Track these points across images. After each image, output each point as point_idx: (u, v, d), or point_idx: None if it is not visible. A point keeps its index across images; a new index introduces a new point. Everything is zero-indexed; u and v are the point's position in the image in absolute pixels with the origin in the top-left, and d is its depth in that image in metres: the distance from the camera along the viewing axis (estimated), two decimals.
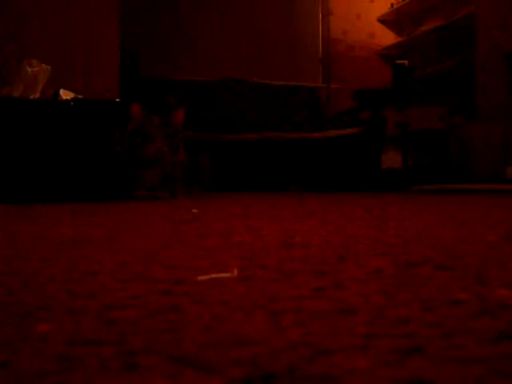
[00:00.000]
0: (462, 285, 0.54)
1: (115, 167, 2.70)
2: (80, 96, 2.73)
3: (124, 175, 2.73)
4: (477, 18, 4.59)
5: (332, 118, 5.33)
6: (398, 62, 4.72)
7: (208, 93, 5.07)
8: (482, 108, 4.49)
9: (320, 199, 2.85)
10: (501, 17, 4.30)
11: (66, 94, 2.67)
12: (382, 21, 6.05)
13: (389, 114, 4.34)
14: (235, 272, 0.62)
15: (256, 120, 5.04)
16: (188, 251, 0.81)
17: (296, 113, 5.25)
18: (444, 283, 0.55)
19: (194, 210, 1.84)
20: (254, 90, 5.20)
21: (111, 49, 3.85)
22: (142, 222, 1.44)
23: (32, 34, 3.61)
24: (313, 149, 4.55)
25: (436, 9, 5.54)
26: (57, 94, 2.66)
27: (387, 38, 6.04)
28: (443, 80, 5.28)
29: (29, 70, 2.62)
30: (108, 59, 3.82)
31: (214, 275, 0.60)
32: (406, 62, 4.63)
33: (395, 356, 0.33)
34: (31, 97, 2.60)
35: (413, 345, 0.35)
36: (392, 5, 5.89)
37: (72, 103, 2.60)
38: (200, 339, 0.36)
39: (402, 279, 0.57)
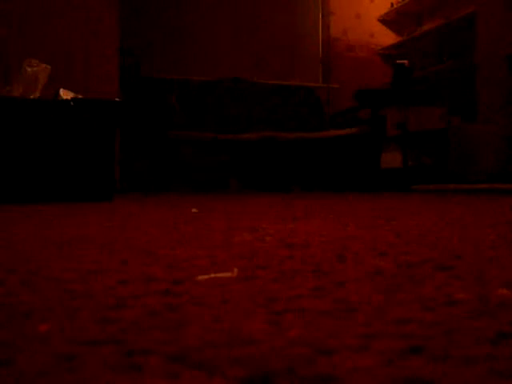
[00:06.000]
0: (462, 285, 0.54)
1: (116, 167, 2.69)
2: (80, 96, 2.73)
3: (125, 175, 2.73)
4: (477, 18, 4.59)
5: (332, 117, 5.33)
6: (398, 61, 4.72)
7: (208, 92, 5.08)
8: (482, 108, 4.49)
9: (320, 199, 2.85)
10: (501, 17, 4.30)
11: (65, 94, 2.67)
12: (382, 21, 6.05)
13: (389, 114, 4.33)
14: (235, 272, 0.62)
15: (256, 120, 5.04)
16: (188, 251, 0.81)
17: (296, 113, 5.25)
18: (444, 283, 0.55)
19: (194, 210, 1.84)
20: (253, 89, 5.20)
21: (111, 49, 3.85)
22: (142, 222, 1.44)
23: (32, 34, 3.61)
24: (313, 148, 4.55)
25: (436, 9, 5.54)
26: (57, 93, 2.66)
27: (387, 37, 6.04)
28: (443, 80, 5.28)
29: (29, 69, 2.62)
30: (108, 59, 3.82)
31: (213, 275, 0.60)
32: (406, 62, 4.63)
33: (395, 356, 0.33)
34: (31, 97, 2.60)
35: (413, 345, 0.35)
36: (392, 5, 5.89)
37: (72, 103, 2.60)
38: (200, 339, 0.36)
39: (402, 279, 0.57)
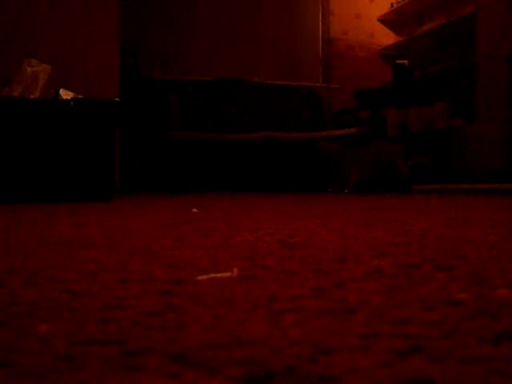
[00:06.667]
0: (461, 285, 0.54)
1: (115, 167, 2.69)
2: (80, 96, 2.73)
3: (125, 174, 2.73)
4: (477, 17, 4.59)
5: (332, 117, 5.33)
6: (397, 61, 4.72)
7: (208, 92, 5.08)
8: (482, 108, 4.49)
9: (320, 199, 2.85)
10: (501, 17, 4.30)
11: (65, 94, 2.67)
12: (382, 21, 6.05)
13: (389, 114, 4.33)
14: (235, 272, 0.62)
15: (256, 120, 5.04)
16: (188, 251, 0.81)
17: (296, 113, 5.25)
18: (444, 283, 0.55)
19: (194, 210, 1.84)
20: (254, 89, 5.20)
21: (111, 49, 3.84)
22: (142, 222, 1.44)
23: (32, 34, 3.60)
24: (313, 148, 4.55)
25: (436, 8, 5.54)
26: (57, 93, 2.66)
27: (387, 37, 6.04)
28: (443, 80, 5.27)
29: (29, 69, 2.62)
30: (108, 59, 3.82)
31: (213, 275, 0.60)
32: (406, 61, 4.63)
33: (395, 356, 0.33)
34: (31, 97, 2.59)
35: (413, 345, 0.35)
36: (392, 5, 5.88)
37: (72, 103, 2.60)
38: (200, 339, 0.36)
39: (402, 279, 0.57)
